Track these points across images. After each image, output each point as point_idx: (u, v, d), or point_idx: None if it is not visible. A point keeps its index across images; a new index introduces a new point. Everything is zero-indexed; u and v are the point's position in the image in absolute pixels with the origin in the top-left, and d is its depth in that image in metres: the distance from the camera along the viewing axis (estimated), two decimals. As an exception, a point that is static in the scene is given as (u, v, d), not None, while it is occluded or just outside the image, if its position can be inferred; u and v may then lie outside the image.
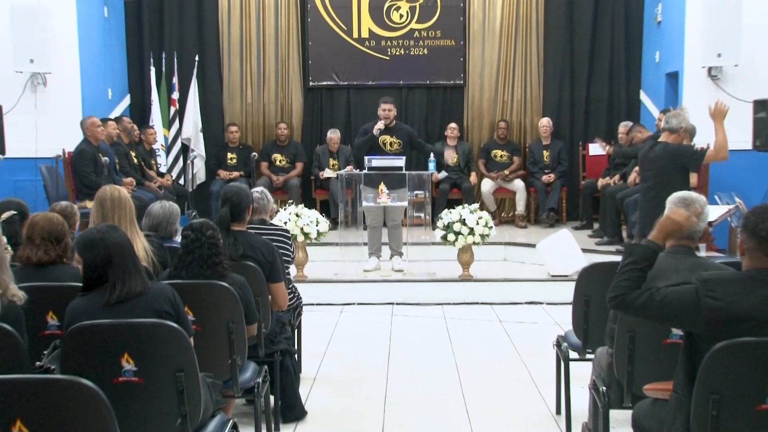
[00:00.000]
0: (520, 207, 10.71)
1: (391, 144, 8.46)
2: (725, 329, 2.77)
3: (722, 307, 2.79)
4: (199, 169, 10.95)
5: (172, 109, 10.78)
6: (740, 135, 8.00)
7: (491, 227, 7.95)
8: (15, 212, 4.59)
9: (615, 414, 3.95)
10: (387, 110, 8.39)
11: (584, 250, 8.34)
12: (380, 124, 8.32)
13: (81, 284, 3.36)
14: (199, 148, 10.87)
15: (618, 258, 3.31)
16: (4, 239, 3.31)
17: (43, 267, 3.86)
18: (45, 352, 3.58)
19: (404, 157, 8.41)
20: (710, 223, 5.84)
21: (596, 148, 10.73)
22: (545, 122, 10.75)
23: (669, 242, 3.63)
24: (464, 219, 7.87)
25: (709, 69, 9.15)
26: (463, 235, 7.86)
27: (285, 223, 7.62)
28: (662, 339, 3.52)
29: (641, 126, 9.40)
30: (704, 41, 8.98)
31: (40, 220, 3.89)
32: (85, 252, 3.27)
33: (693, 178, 7.29)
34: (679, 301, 2.90)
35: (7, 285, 3.18)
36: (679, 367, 2.99)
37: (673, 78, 9.87)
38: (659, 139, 6.70)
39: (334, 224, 9.04)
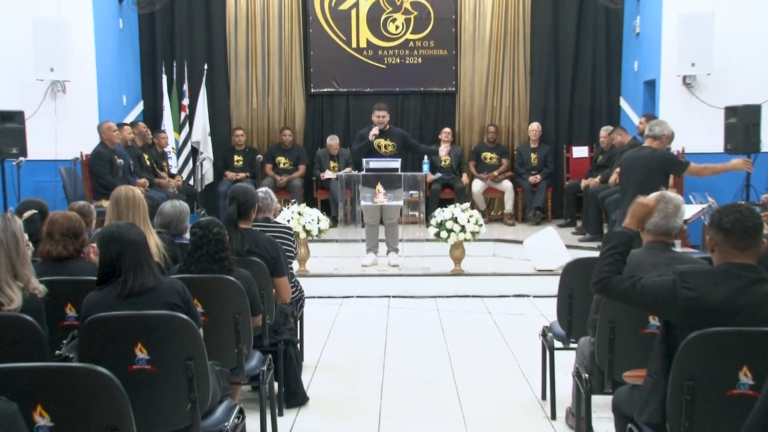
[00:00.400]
0: (508, 206, 10.72)
1: (386, 147, 8.48)
2: (699, 319, 2.79)
3: (696, 297, 2.80)
4: (207, 171, 10.94)
5: (183, 115, 10.76)
6: (712, 139, 8.03)
7: (481, 225, 7.95)
8: (36, 211, 4.61)
9: (596, 399, 3.97)
10: (381, 116, 8.42)
11: (568, 246, 8.35)
12: (375, 130, 8.33)
13: (97, 278, 3.36)
14: (207, 150, 10.86)
15: (598, 252, 3.32)
16: (26, 236, 3.31)
17: (62, 261, 3.86)
18: (64, 341, 3.60)
19: (399, 160, 8.42)
20: (685, 221, 5.85)
21: (579, 151, 10.79)
22: (535, 127, 10.76)
23: (647, 238, 3.66)
24: (456, 217, 7.88)
25: (684, 77, 9.18)
26: (455, 232, 7.87)
27: (288, 221, 7.63)
28: (640, 329, 3.53)
29: (622, 129, 9.40)
30: (679, 52, 9.01)
31: (60, 218, 3.90)
32: (103, 246, 3.28)
33: (670, 180, 7.32)
34: (658, 290, 2.91)
35: (28, 279, 3.19)
36: (656, 354, 3.00)
37: (651, 86, 9.88)
38: (644, 144, 6.74)
39: (334, 222, 9.02)
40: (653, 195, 3.41)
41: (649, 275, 3.05)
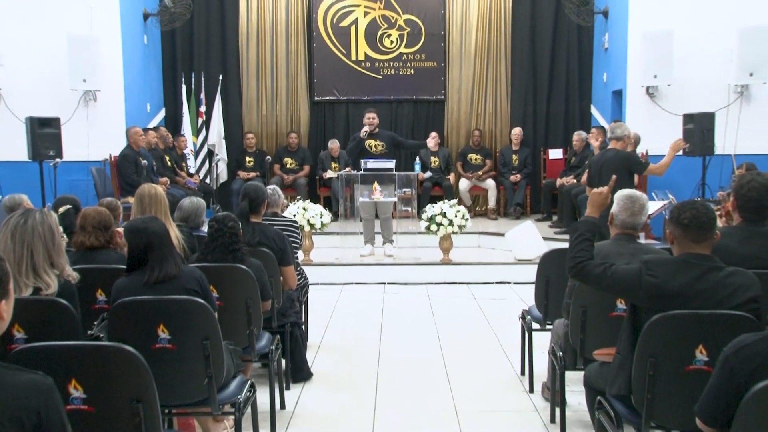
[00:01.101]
0: (492, 202, 10.71)
1: (376, 146, 8.51)
2: (661, 302, 2.80)
3: (659, 283, 2.81)
4: (222, 170, 10.93)
5: (200, 120, 10.75)
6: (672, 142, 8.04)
7: (467, 219, 7.97)
8: (70, 206, 4.62)
9: (570, 374, 3.97)
10: (371, 118, 8.50)
11: (545, 238, 8.35)
12: (366, 128, 8.40)
13: (124, 267, 3.36)
14: (222, 152, 10.87)
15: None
16: (61, 229, 3.32)
17: (94, 251, 3.87)
18: (95, 323, 3.62)
19: (394, 160, 8.45)
20: (649, 216, 5.87)
21: (555, 153, 10.81)
22: (517, 131, 10.77)
23: (615, 231, 3.67)
24: (444, 212, 7.88)
25: (647, 88, 9.20)
26: (443, 225, 7.87)
27: (294, 215, 7.62)
28: (609, 312, 3.53)
29: (597, 129, 9.39)
30: (643, 65, 9.05)
31: (91, 212, 3.91)
32: (132, 237, 3.28)
33: (635, 179, 7.35)
34: (626, 277, 2.92)
35: (63, 267, 3.20)
36: (623, 334, 3.02)
37: (618, 95, 9.89)
38: (609, 147, 6.75)
39: (335, 217, 9.03)
40: (605, 188, 3.41)
41: (617, 263, 3.06)
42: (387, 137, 8.66)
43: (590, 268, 3.04)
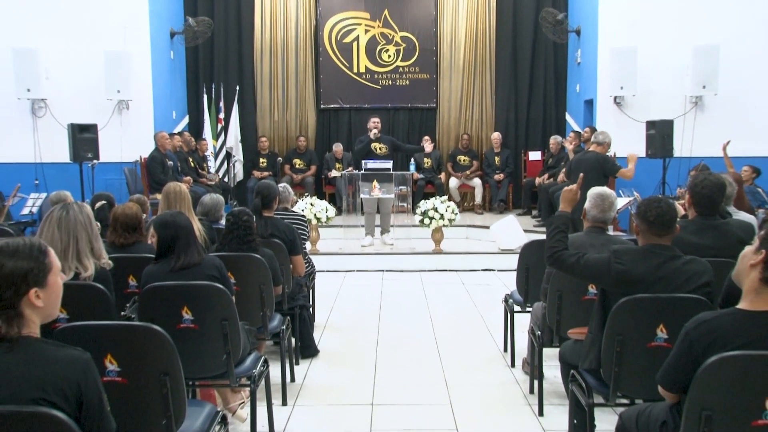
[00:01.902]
0: (478, 198, 10.71)
1: (380, 149, 8.51)
2: (627, 287, 2.81)
3: (625, 270, 2.82)
4: (238, 170, 10.89)
5: (219, 126, 10.70)
6: (636, 146, 8.05)
7: (456, 213, 7.98)
8: (105, 202, 4.62)
9: (546, 351, 3.98)
10: (376, 122, 8.57)
11: (525, 231, 8.36)
12: (375, 131, 8.46)
13: (153, 256, 3.36)
14: (238, 154, 10.83)
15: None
16: (98, 224, 3.32)
17: (124, 247, 3.86)
18: (127, 305, 3.63)
19: (391, 162, 8.45)
20: (617, 211, 5.89)
21: (534, 155, 10.81)
22: (496, 136, 10.77)
23: (587, 224, 3.68)
24: (436, 207, 7.90)
25: (615, 97, 9.21)
26: (435, 219, 7.89)
27: (302, 210, 7.63)
28: (582, 296, 3.54)
29: (573, 134, 9.40)
30: (611, 77, 9.06)
31: (120, 215, 3.86)
32: (160, 229, 3.28)
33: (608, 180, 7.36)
34: (597, 265, 2.93)
35: (101, 253, 3.19)
36: (594, 315, 3.03)
37: (589, 104, 9.89)
38: (589, 149, 6.77)
39: (339, 211, 9.04)
40: (574, 186, 3.42)
41: (589, 253, 3.07)
42: (388, 141, 8.69)
43: (565, 257, 3.05)
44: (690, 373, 2.08)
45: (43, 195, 7.94)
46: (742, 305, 2.12)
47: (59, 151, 8.55)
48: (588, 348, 3.02)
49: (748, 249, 2.13)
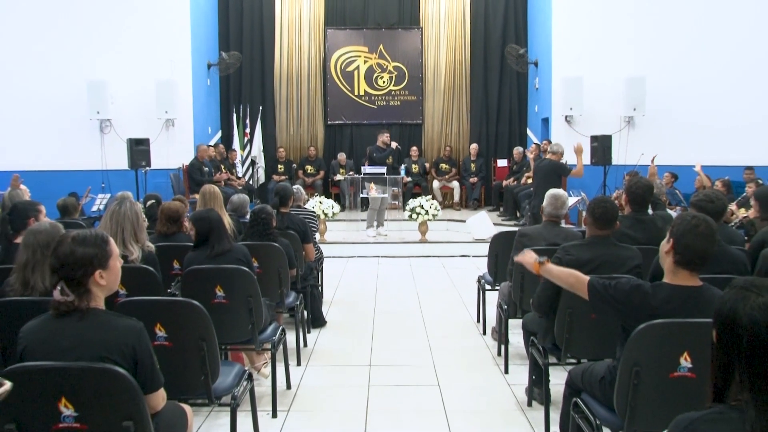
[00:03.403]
0: (456, 197, 10.69)
1: (389, 159, 8.64)
2: (579, 269, 2.78)
3: (574, 260, 2.83)
4: (260, 175, 10.87)
5: (246, 139, 10.69)
6: (583, 156, 8.06)
7: (439, 210, 8.01)
8: (154, 200, 4.61)
9: (512, 321, 3.99)
10: (388, 136, 8.71)
11: (495, 224, 8.37)
12: (393, 144, 8.71)
13: (191, 244, 3.38)
14: (261, 162, 10.81)
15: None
16: (145, 219, 3.34)
17: (169, 236, 3.87)
18: (172, 284, 3.63)
19: (386, 167, 8.49)
20: (568, 207, 5.93)
21: (501, 162, 10.82)
22: (474, 147, 10.76)
23: (545, 218, 3.71)
24: (422, 205, 7.91)
25: (566, 116, 9.23)
26: (422, 214, 7.90)
27: (313, 207, 7.63)
28: (539, 278, 3.52)
29: (534, 146, 9.41)
30: (562, 100, 9.12)
31: (166, 209, 3.89)
32: (198, 223, 3.29)
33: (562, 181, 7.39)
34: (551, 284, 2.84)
35: (144, 241, 3.22)
36: (547, 297, 2.91)
37: (545, 121, 9.90)
38: (547, 157, 6.82)
39: (342, 208, 9.04)
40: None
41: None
42: (395, 153, 8.94)
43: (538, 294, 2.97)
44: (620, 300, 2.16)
45: (108, 195, 8.03)
46: (665, 280, 2.17)
47: (120, 160, 8.65)
48: (546, 327, 3.00)
49: (664, 240, 2.17)
